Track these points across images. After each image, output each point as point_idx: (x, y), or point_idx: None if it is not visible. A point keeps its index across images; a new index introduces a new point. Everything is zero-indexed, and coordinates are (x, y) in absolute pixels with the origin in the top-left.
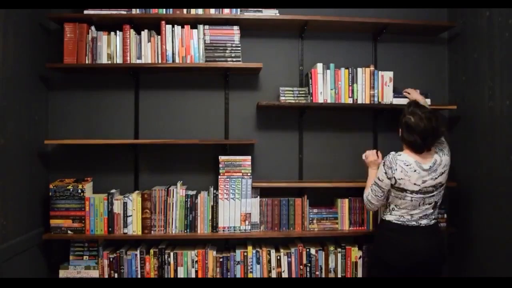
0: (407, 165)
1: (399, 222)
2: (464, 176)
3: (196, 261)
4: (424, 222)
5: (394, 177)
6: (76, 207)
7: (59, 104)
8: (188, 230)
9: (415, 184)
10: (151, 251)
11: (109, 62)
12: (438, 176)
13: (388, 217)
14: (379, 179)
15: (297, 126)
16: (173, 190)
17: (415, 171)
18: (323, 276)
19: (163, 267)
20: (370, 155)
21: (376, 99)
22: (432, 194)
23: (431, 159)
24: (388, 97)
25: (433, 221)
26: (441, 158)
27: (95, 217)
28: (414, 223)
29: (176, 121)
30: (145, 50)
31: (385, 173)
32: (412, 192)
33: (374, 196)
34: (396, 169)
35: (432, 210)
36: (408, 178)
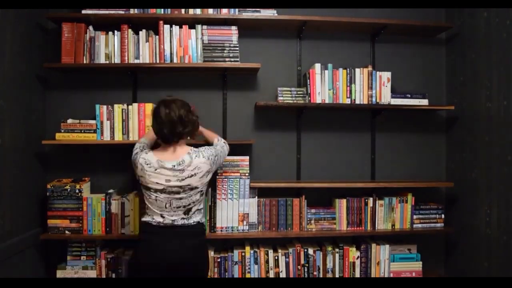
0: (147, 164)
1: (152, 223)
2: (461, 176)
3: None
4: (180, 224)
5: (137, 173)
6: (73, 207)
7: (57, 104)
8: None
9: (157, 183)
10: None
11: (107, 62)
12: (186, 178)
13: (144, 218)
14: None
15: (295, 126)
16: None
17: (155, 170)
18: (321, 276)
19: None
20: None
21: (374, 99)
22: (180, 196)
23: (180, 157)
24: (386, 97)
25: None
26: (191, 160)
27: (92, 217)
28: (166, 225)
29: None
30: (143, 50)
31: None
32: (156, 191)
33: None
34: (137, 167)
35: (184, 215)
36: (148, 176)
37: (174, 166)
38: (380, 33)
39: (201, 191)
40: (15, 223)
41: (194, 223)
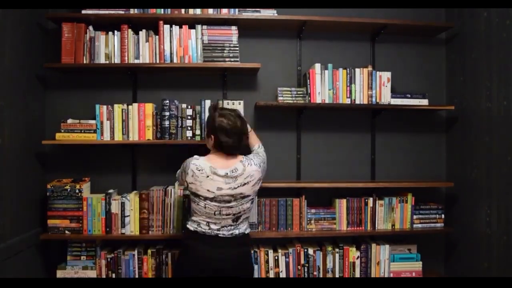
0: (199, 170)
1: (198, 231)
2: (461, 176)
3: None
4: (225, 232)
5: (186, 181)
6: (73, 207)
7: (57, 104)
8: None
9: (208, 190)
10: (149, 251)
11: (107, 62)
12: (238, 186)
13: (188, 226)
14: (177, 174)
15: (295, 126)
16: (171, 190)
17: (207, 176)
18: (321, 276)
19: (160, 267)
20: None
21: (374, 99)
22: (231, 205)
23: (232, 166)
24: (386, 97)
25: (235, 232)
26: (244, 168)
27: (92, 217)
28: (211, 233)
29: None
30: (143, 50)
31: (181, 174)
32: (205, 198)
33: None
34: (187, 173)
35: (232, 223)
36: (199, 184)
37: (227, 173)
38: (380, 33)
39: (252, 199)
40: (15, 223)
41: (240, 235)
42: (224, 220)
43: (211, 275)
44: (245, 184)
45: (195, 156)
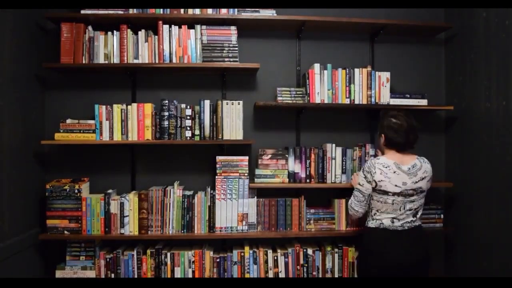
0: (386, 167)
1: (381, 228)
2: (460, 176)
3: (193, 262)
4: (407, 226)
5: (375, 180)
6: (72, 207)
7: (56, 104)
8: (185, 230)
9: (396, 185)
10: (148, 251)
11: (106, 62)
12: (419, 181)
13: (370, 224)
14: (359, 184)
15: (294, 126)
16: (170, 190)
17: (394, 172)
18: (320, 276)
19: (159, 268)
20: (355, 177)
21: (373, 99)
22: (413, 199)
23: (411, 162)
24: (385, 97)
25: (415, 225)
26: (421, 164)
27: (91, 217)
28: (396, 228)
29: None
30: (142, 50)
31: (365, 177)
32: (394, 194)
33: (356, 202)
34: (375, 172)
35: (412, 218)
36: (388, 180)
37: (409, 169)
38: (379, 33)
39: (425, 195)
40: (14, 224)
41: (418, 225)
42: (407, 216)
43: (398, 270)
44: (423, 178)
45: (376, 157)
